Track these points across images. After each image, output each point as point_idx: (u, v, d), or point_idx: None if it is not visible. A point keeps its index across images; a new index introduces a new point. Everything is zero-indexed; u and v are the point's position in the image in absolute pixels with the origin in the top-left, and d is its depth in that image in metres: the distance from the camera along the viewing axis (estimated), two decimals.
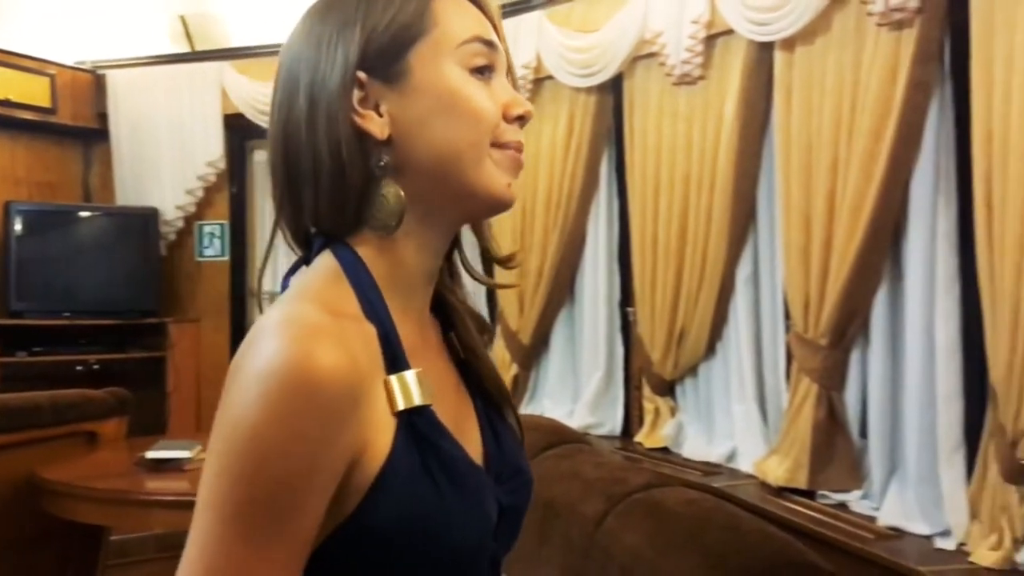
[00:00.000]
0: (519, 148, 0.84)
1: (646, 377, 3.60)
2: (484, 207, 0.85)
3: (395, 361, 0.79)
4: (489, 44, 0.84)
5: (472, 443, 0.84)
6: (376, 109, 0.81)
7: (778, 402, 3.10)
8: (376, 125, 0.80)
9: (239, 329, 4.84)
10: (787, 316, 2.98)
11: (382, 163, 0.80)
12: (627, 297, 3.78)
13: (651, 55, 3.38)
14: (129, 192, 4.86)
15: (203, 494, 0.71)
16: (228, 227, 4.95)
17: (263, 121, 3.71)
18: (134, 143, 4.83)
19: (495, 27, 0.86)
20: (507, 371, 3.97)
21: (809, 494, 2.82)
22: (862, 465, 2.78)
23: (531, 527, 1.07)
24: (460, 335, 0.91)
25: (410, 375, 0.79)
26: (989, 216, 2.19)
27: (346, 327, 0.75)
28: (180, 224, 4.88)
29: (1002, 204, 2.15)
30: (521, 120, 0.84)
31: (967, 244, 2.36)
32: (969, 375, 2.44)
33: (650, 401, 3.57)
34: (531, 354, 4.01)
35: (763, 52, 3.00)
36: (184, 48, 4.96)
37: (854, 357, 2.75)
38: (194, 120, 4.76)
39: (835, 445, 2.78)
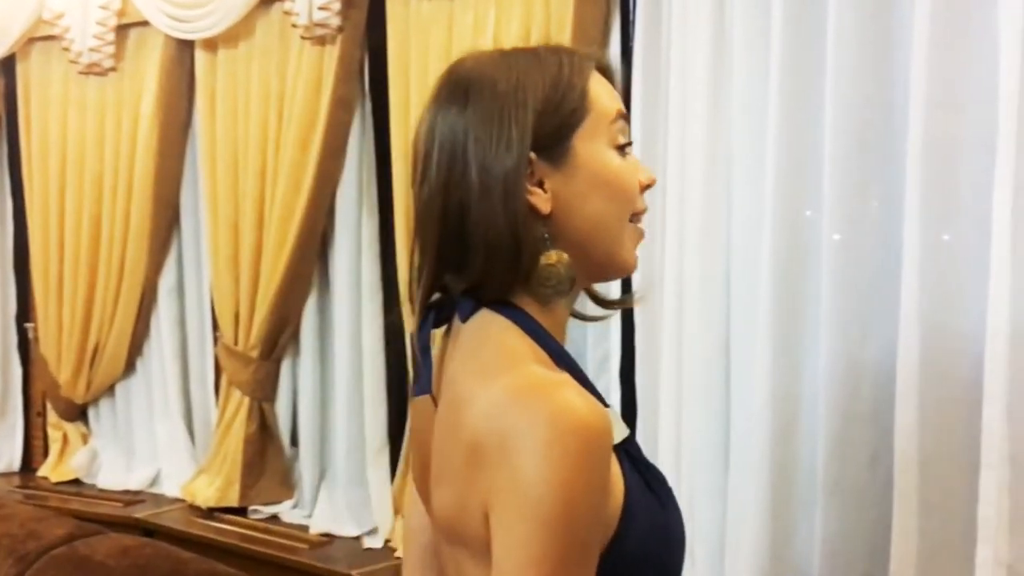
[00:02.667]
0: (644, 213, 0.94)
1: (51, 402, 3.19)
2: (613, 274, 0.96)
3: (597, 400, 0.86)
4: (626, 119, 0.93)
5: None
6: (541, 185, 0.88)
7: (207, 418, 2.96)
8: (542, 201, 0.87)
9: None
10: (215, 327, 2.85)
11: (546, 236, 0.88)
12: (25, 311, 3.31)
13: (51, 38, 3.00)
14: None
15: (519, 558, 0.76)
16: None
17: None
18: None
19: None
20: None
21: (241, 511, 2.73)
22: (293, 474, 2.78)
23: None
24: None
25: (613, 411, 0.87)
26: (408, 227, 2.33)
27: (566, 378, 0.84)
28: None
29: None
30: (646, 190, 0.93)
31: (388, 253, 2.50)
32: (391, 378, 2.58)
33: (56, 428, 3.18)
34: None
35: (184, 50, 2.83)
36: None
37: (285, 366, 2.74)
38: None
39: (267, 457, 2.74)
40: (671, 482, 0.92)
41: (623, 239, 0.92)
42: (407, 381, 2.43)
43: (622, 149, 0.92)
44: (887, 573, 1.59)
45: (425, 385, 0.92)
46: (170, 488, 2.94)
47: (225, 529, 2.64)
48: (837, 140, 1.64)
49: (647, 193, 0.94)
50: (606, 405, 0.87)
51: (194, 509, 2.77)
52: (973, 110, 1.51)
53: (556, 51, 0.92)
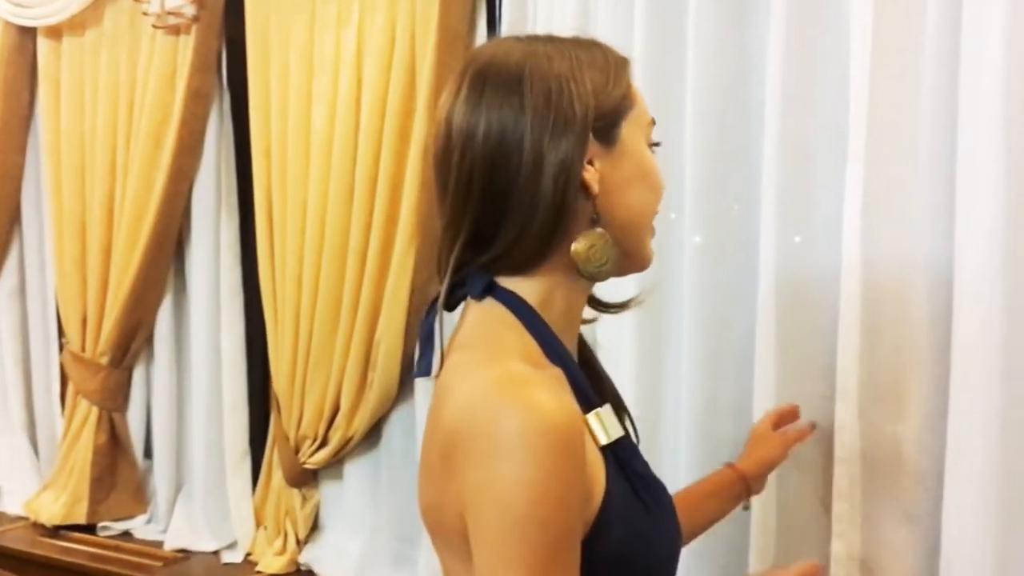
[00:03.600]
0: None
1: None
2: (636, 267, 0.96)
3: (587, 399, 0.88)
4: (654, 125, 0.95)
5: None
6: (591, 164, 0.87)
7: (52, 430, 2.77)
8: (595, 179, 0.87)
9: None
10: (61, 333, 2.68)
11: (594, 216, 0.88)
12: None
13: None
14: None
15: (492, 561, 0.76)
16: None
17: None
18: None
19: None
20: None
21: (90, 528, 2.57)
22: (147, 488, 2.63)
23: None
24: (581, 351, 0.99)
25: (604, 410, 0.88)
26: (270, 228, 2.24)
27: (547, 375, 0.84)
28: None
29: (282, 217, 2.21)
30: None
31: (249, 255, 2.39)
32: (253, 385, 2.47)
33: None
34: None
35: (25, 38, 2.65)
36: None
37: (138, 374, 2.59)
38: None
39: (118, 470, 2.59)
40: None
41: (649, 234, 0.95)
42: (269, 388, 2.34)
43: (651, 149, 0.94)
44: (747, 566, 1.61)
45: (426, 368, 0.91)
46: (12, 505, 2.75)
47: (72, 548, 2.49)
48: (697, 142, 1.65)
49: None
50: (600, 405, 0.89)
51: (38, 527, 2.59)
52: (824, 111, 1.54)
53: (594, 40, 0.93)
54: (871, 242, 1.46)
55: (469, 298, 0.92)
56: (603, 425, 0.87)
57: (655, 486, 0.91)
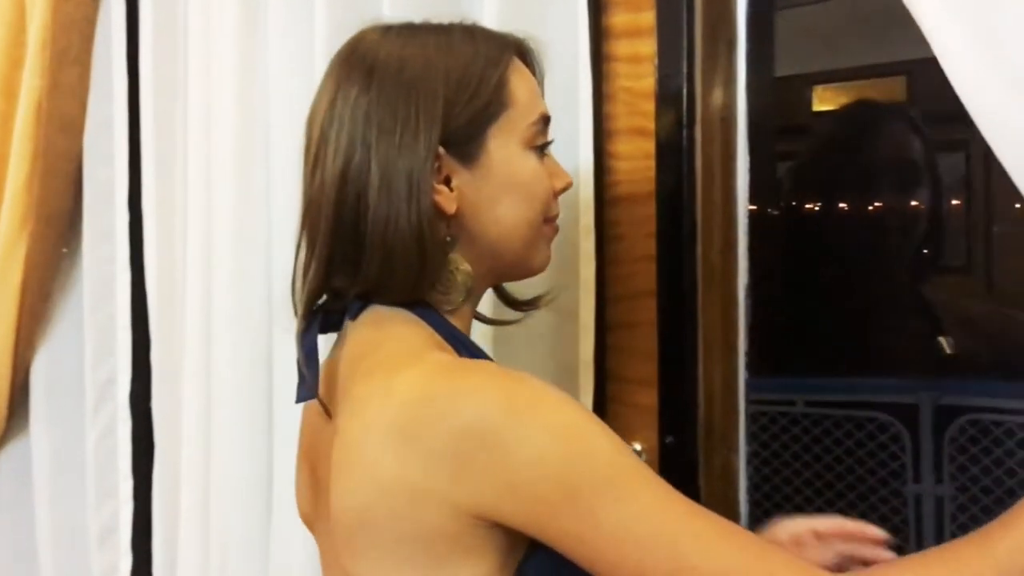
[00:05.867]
0: (557, 216, 0.90)
1: None
2: (523, 275, 0.92)
3: None
4: (548, 121, 0.88)
5: None
6: (447, 183, 0.82)
7: None
8: (447, 200, 0.82)
9: None
10: None
11: (448, 239, 0.82)
12: None
13: None
14: None
15: (650, 531, 0.69)
16: None
17: None
18: None
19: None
20: None
21: None
22: None
23: None
24: None
25: None
26: None
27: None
28: None
29: None
30: (562, 192, 0.90)
31: None
32: None
33: None
34: None
35: None
36: None
37: None
38: None
39: None
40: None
41: (535, 241, 0.88)
42: None
43: (540, 150, 0.87)
44: None
45: (310, 391, 0.83)
46: None
47: None
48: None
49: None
50: None
51: None
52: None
53: (472, 33, 0.85)
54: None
55: (348, 320, 0.86)
56: None
57: None
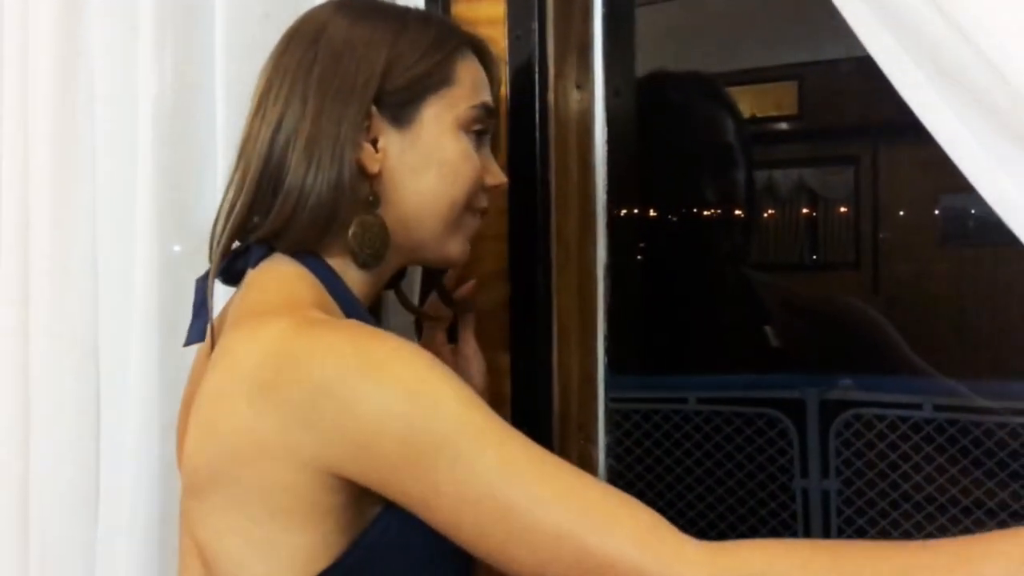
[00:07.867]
0: (484, 214, 0.91)
1: None
2: (436, 261, 0.92)
3: None
4: (492, 113, 0.90)
5: None
6: (374, 143, 0.84)
7: None
8: (371, 159, 0.84)
9: None
10: None
11: (371, 198, 0.84)
12: None
13: None
14: None
15: (493, 470, 0.68)
16: None
17: None
18: None
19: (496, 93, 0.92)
20: None
21: None
22: None
23: None
24: None
25: None
26: None
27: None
28: None
29: None
30: (494, 190, 0.91)
31: None
32: None
33: None
34: None
35: None
36: None
37: None
38: None
39: None
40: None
41: (453, 227, 0.88)
42: None
43: (477, 136, 0.88)
44: None
45: (195, 335, 0.86)
46: None
47: None
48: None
49: None
50: None
51: None
52: None
53: (427, 17, 0.90)
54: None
55: (249, 270, 0.85)
56: None
57: None
